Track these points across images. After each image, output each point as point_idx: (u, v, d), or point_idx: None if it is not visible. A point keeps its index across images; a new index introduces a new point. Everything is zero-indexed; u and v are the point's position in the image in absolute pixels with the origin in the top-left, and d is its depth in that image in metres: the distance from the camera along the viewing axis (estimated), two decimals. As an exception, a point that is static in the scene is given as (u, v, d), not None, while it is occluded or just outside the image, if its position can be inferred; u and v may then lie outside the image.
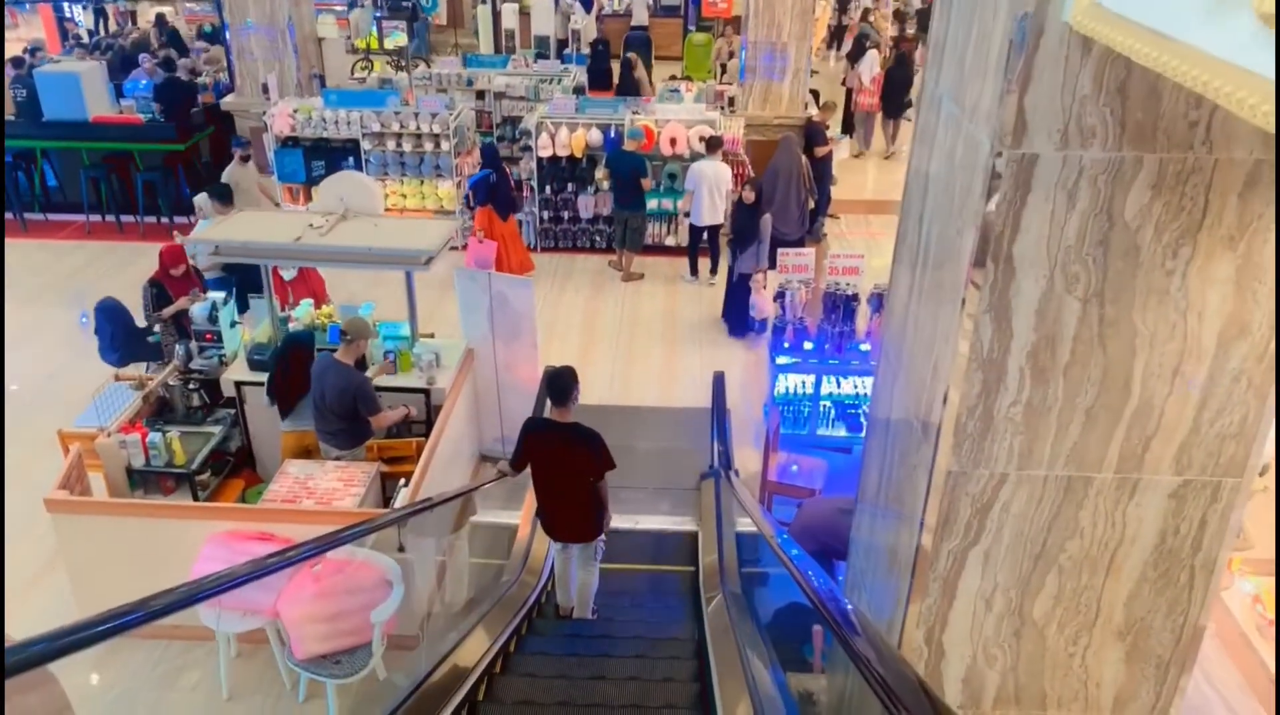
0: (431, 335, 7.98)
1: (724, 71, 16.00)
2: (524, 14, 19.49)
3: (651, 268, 11.61)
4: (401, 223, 7.40)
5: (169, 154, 12.65)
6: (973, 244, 2.31)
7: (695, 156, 11.54)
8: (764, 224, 9.24)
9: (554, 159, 11.65)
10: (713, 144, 10.76)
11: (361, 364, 6.64)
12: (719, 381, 7.52)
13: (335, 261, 6.99)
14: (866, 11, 19.25)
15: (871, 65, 14.87)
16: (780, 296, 7.23)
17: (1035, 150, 2.16)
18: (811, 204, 11.25)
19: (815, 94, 13.12)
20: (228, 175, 10.20)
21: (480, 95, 13.62)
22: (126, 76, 14.11)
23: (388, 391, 6.90)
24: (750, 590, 6.10)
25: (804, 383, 7.49)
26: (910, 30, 18.27)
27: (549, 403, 5.52)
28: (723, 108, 12.33)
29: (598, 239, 12.00)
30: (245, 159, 10.56)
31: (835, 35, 18.38)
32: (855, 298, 7.14)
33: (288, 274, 8.04)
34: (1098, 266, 2.27)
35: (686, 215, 11.24)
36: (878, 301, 7.18)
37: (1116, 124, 2.12)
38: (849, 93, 15.51)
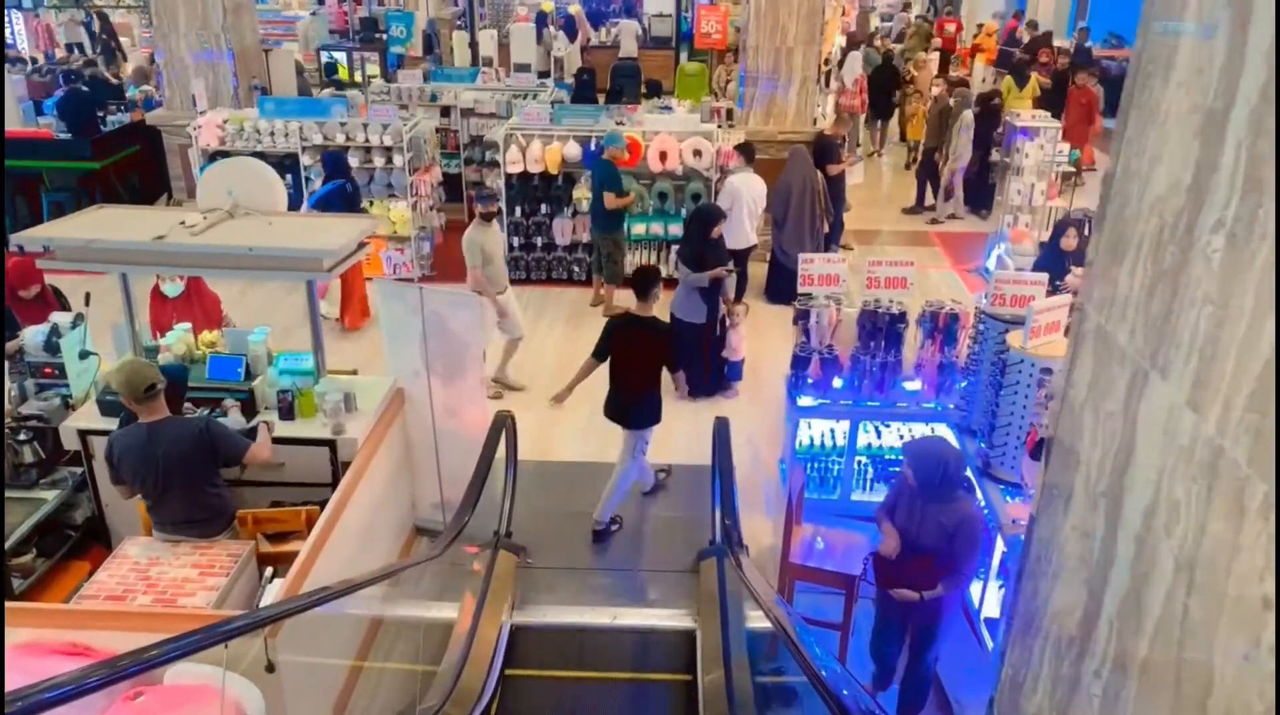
0: (354, 371, 6.23)
1: (723, 94, 14.55)
2: (503, 44, 18.16)
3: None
4: (305, 221, 5.71)
5: (84, 174, 11.00)
6: None
7: (689, 173, 9.92)
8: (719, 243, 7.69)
9: (525, 176, 10.02)
10: (746, 152, 9.12)
11: None
12: (722, 430, 5.75)
13: (207, 267, 5.26)
14: (873, 35, 17.93)
15: (854, 66, 14.12)
16: (803, 317, 5.50)
17: None
18: (826, 227, 9.62)
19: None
20: (468, 241, 7.66)
21: (445, 112, 12.06)
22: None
23: (275, 442, 5.13)
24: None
25: (834, 431, 5.74)
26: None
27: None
28: (720, 123, 10.75)
29: (576, 269, 10.31)
30: (488, 217, 7.78)
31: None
32: (902, 319, 5.41)
33: (170, 289, 6.29)
34: None
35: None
36: (931, 324, 5.45)
37: None
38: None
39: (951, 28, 19.56)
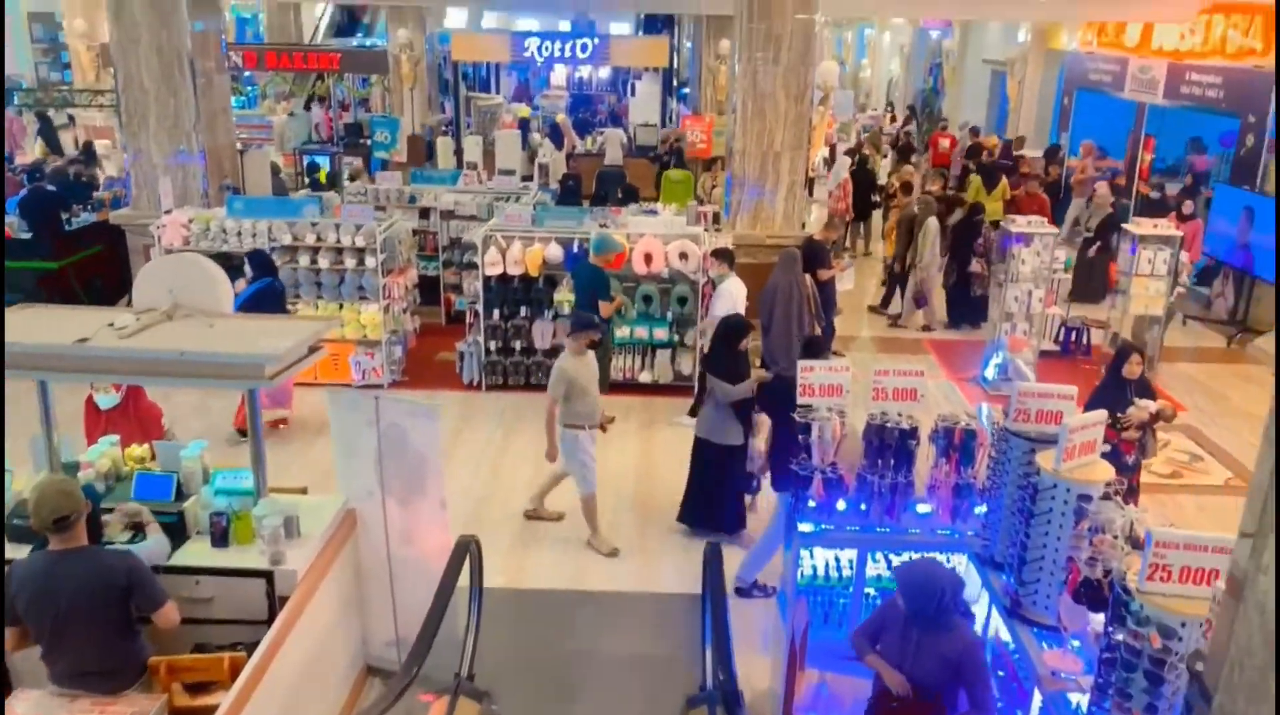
0: (304, 490, 5.60)
1: (708, 199, 14.36)
2: (488, 151, 18.10)
3: (623, 409, 9.35)
4: (252, 324, 5.17)
5: (43, 274, 10.51)
6: None
7: (674, 277, 9.52)
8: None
9: (504, 278, 9.58)
10: (727, 257, 8.90)
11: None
12: (713, 557, 5.13)
13: (135, 375, 4.68)
14: (859, 146, 17.94)
15: (839, 171, 14.59)
16: (804, 432, 4.94)
17: None
18: (817, 330, 9.18)
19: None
20: (558, 372, 6.72)
21: (425, 214, 11.73)
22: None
23: (202, 573, 4.47)
24: None
25: (839, 560, 5.11)
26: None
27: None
28: (706, 226, 10.42)
29: (556, 376, 9.77)
30: (584, 346, 6.88)
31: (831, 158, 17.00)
32: (913, 434, 4.87)
33: (104, 400, 5.69)
34: None
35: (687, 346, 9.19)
36: (946, 440, 4.90)
37: None
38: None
39: (946, 143, 19.19)
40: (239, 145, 12.28)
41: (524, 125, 19.47)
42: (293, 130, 17.14)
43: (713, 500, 7.01)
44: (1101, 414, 4.29)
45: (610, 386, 9.30)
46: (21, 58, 21.10)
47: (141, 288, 5.08)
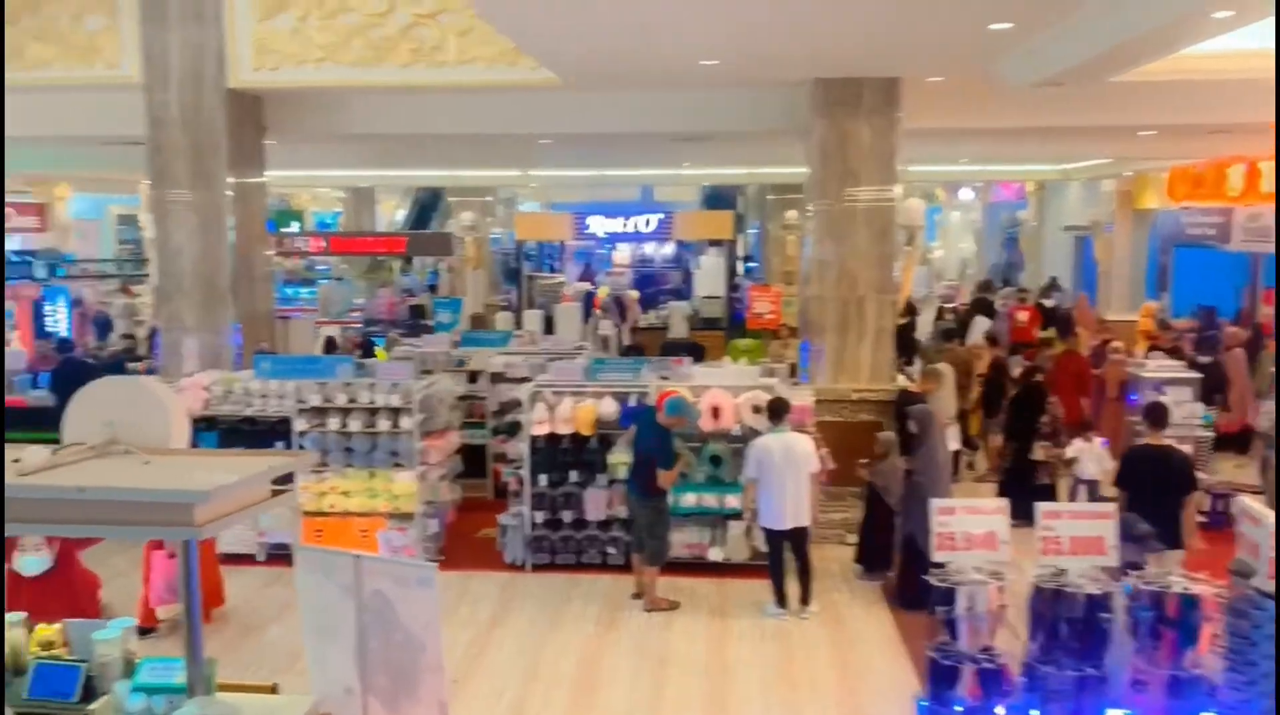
0: (273, 688, 4.23)
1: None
2: (548, 329, 17.51)
3: (687, 593, 7.86)
4: (201, 460, 4.01)
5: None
6: None
7: (748, 433, 8.22)
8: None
9: (553, 438, 8.40)
10: (776, 410, 7.52)
11: None
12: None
13: (25, 521, 3.49)
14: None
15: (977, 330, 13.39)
16: (945, 602, 3.49)
17: None
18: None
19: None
20: None
21: (473, 378, 10.77)
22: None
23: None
24: None
25: (1006, 796, 3.52)
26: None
27: None
28: (782, 379, 9.19)
29: (612, 551, 8.35)
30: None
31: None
32: (1104, 603, 3.39)
33: (25, 564, 4.50)
34: None
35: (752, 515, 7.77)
36: (1154, 611, 3.39)
37: None
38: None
39: (1024, 316, 16.14)
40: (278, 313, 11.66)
41: (587, 299, 18.93)
42: (338, 295, 16.74)
43: None
44: None
45: (672, 565, 7.88)
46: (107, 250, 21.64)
47: (73, 419, 3.99)
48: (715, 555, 8.24)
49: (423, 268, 22.71)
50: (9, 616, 3.95)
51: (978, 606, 3.45)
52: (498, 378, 10.63)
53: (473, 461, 10.25)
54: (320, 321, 15.06)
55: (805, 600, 7.44)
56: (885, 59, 8.42)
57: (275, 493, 3.76)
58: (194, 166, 9.54)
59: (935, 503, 3.63)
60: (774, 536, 7.40)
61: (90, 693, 3.66)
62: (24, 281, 14.03)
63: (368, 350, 16.66)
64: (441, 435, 9.05)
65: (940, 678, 3.50)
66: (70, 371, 10.55)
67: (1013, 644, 3.55)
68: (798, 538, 7.35)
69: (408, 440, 8.50)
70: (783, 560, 7.43)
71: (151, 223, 9.96)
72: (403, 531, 8.50)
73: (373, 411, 8.56)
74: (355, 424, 8.55)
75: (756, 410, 8.13)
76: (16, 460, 3.65)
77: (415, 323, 19.14)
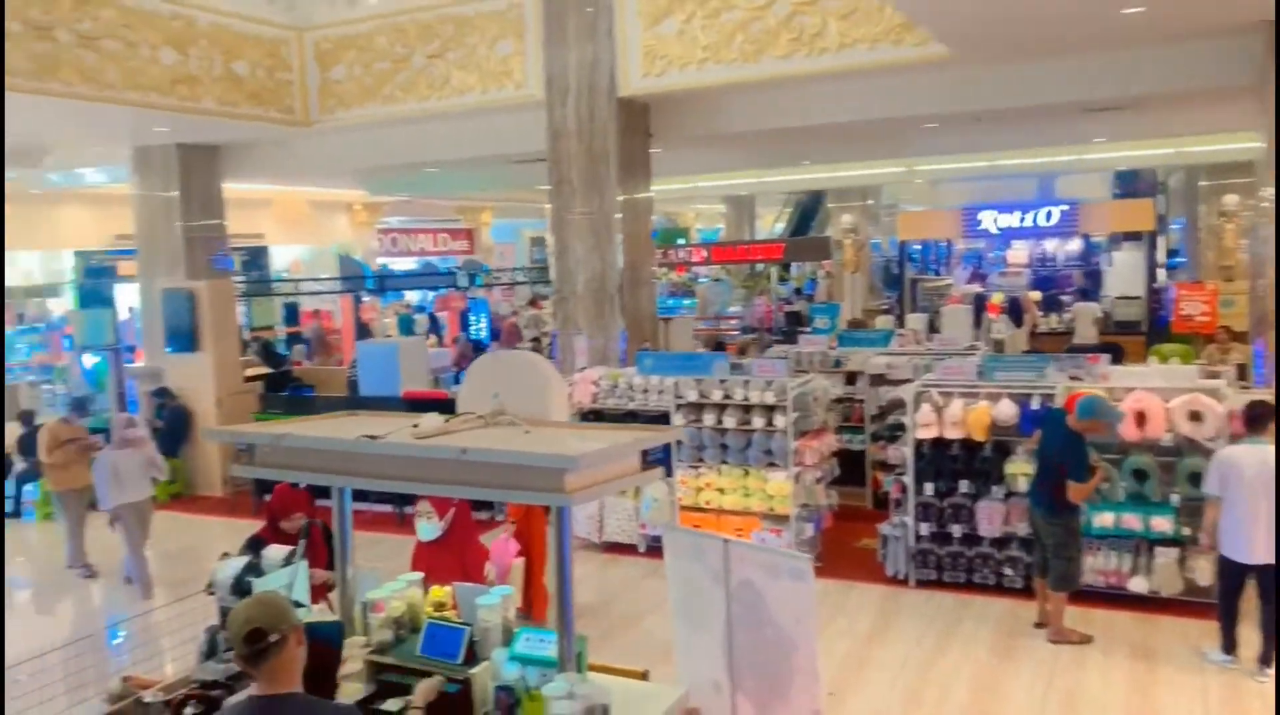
0: (644, 675, 4.09)
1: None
2: (933, 329, 16.46)
3: (1102, 626, 6.73)
4: (580, 431, 3.96)
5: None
6: None
7: (1181, 445, 6.89)
8: None
9: (940, 444, 7.66)
10: (1254, 417, 6.13)
11: None
12: None
13: (411, 480, 3.61)
14: None
15: None
16: None
17: None
18: None
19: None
20: None
21: (851, 380, 10.28)
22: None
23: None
24: None
25: None
26: None
27: None
28: (1230, 381, 7.63)
29: (1009, 572, 7.42)
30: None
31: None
32: None
33: (423, 530, 4.79)
34: None
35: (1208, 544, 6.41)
36: None
37: None
38: None
39: None
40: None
41: (978, 301, 17.56)
42: (714, 295, 16.98)
43: None
44: None
45: (1083, 594, 6.80)
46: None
47: (466, 391, 4.17)
48: (1138, 586, 6.99)
49: (800, 275, 22.55)
50: (403, 577, 4.19)
51: None
52: (877, 380, 10.05)
53: (850, 468, 9.76)
54: (698, 320, 15.39)
55: (1268, 660, 5.93)
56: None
57: (645, 469, 3.62)
58: (588, 174, 10.09)
59: None
60: (1233, 569, 6.00)
61: (472, 656, 3.72)
62: (452, 291, 15.91)
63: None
64: (817, 436, 8.67)
65: None
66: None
67: None
68: (1266, 577, 5.88)
69: (782, 438, 8.23)
70: (1238, 599, 6.05)
71: (551, 236, 10.66)
72: (777, 533, 8.24)
73: (747, 408, 8.42)
74: (730, 421, 8.45)
75: (1194, 417, 6.80)
76: (415, 425, 3.83)
77: (792, 329, 19.02)
